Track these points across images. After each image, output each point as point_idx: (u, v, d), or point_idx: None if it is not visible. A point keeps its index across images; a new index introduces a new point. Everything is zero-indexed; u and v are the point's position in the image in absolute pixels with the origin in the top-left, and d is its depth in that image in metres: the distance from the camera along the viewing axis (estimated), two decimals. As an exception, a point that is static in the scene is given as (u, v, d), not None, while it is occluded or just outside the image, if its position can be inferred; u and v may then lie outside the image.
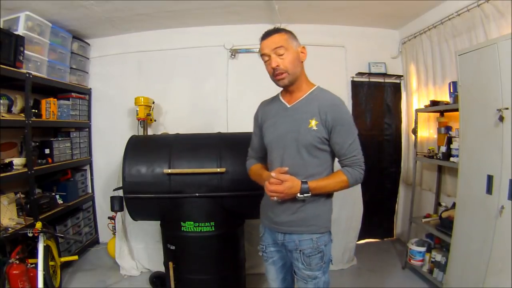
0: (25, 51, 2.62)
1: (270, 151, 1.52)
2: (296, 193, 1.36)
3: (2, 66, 2.36)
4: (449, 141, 2.55)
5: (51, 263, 2.53)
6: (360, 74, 3.68)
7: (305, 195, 1.36)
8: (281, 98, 1.53)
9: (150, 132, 3.63)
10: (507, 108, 1.81)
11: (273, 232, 1.53)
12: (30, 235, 2.15)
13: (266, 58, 1.41)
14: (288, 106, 1.48)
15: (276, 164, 1.46)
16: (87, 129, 3.69)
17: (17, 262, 2.22)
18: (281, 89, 1.54)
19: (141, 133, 3.42)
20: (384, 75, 3.69)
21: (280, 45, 1.37)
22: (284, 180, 1.35)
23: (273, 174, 1.37)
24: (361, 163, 1.43)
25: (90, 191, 3.78)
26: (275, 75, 1.40)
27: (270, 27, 1.48)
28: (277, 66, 1.38)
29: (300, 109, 1.44)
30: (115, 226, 3.14)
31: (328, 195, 1.49)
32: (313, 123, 1.39)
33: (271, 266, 1.60)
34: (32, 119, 2.69)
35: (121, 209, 2.56)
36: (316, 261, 1.44)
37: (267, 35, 1.41)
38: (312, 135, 1.39)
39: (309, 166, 1.42)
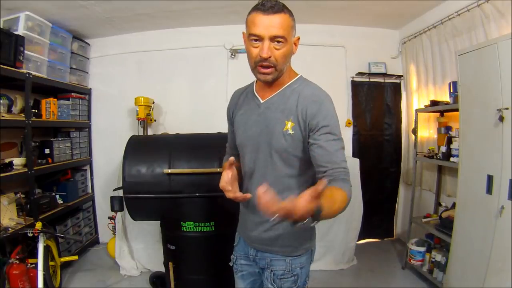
0: (25, 51, 2.62)
1: (242, 154, 1.29)
2: (306, 218, 0.85)
3: (2, 66, 2.36)
4: (449, 141, 2.55)
5: (51, 263, 2.53)
6: (360, 74, 3.68)
7: (306, 221, 0.86)
8: (255, 91, 1.25)
9: (150, 132, 3.63)
10: (507, 108, 1.81)
11: (246, 245, 1.34)
12: (30, 235, 2.15)
13: (257, 40, 1.09)
14: (262, 101, 1.21)
15: (249, 171, 1.26)
16: (87, 129, 3.69)
17: (17, 262, 2.22)
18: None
19: (141, 133, 3.42)
20: (384, 75, 3.69)
21: (283, 35, 1.07)
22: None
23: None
24: (349, 177, 1.07)
25: (90, 191, 3.78)
26: (261, 65, 1.10)
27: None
28: (269, 57, 1.08)
29: (275, 106, 1.18)
30: (115, 226, 3.13)
31: None
32: (289, 125, 1.13)
33: (240, 280, 1.40)
34: (32, 119, 2.69)
35: (121, 209, 2.56)
36: (287, 284, 1.23)
37: (270, 9, 1.07)
38: (288, 141, 1.13)
39: (284, 176, 1.17)
